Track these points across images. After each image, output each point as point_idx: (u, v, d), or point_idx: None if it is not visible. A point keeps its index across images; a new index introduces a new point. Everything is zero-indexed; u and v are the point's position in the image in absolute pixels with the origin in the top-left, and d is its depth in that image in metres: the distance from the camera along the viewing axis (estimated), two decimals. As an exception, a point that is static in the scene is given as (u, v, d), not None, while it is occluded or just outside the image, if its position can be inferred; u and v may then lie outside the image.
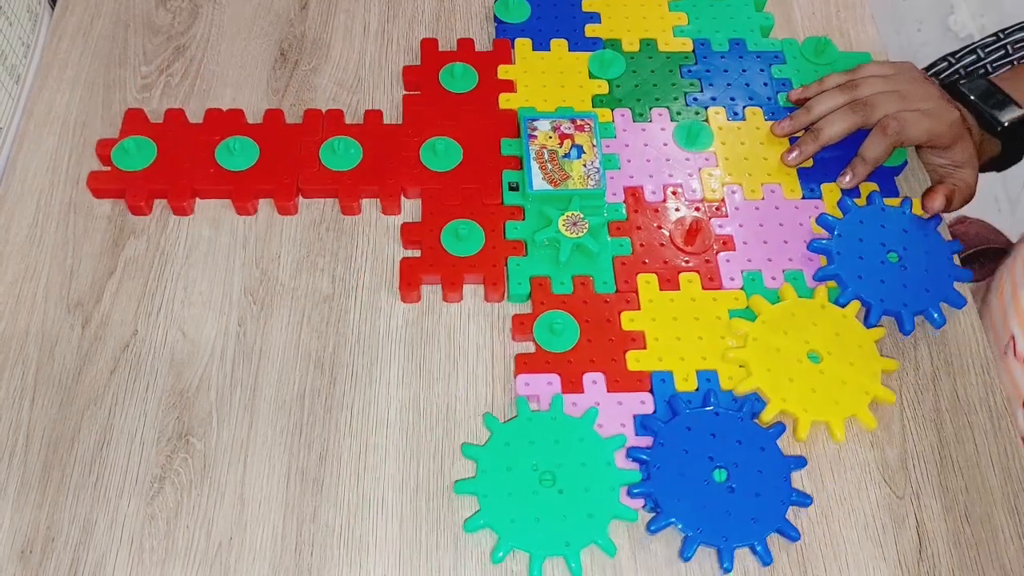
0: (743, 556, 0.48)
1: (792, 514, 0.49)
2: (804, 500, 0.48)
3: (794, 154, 0.60)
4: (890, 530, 0.49)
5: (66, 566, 0.47)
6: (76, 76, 0.64)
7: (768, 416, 0.50)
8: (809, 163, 0.61)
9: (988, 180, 0.66)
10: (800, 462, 0.49)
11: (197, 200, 0.58)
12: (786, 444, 0.51)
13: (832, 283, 0.56)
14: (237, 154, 0.59)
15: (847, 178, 0.59)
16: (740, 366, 0.52)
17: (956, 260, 0.58)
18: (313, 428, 0.51)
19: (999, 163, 0.65)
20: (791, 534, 0.47)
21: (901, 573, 0.48)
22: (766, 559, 0.47)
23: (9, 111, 0.61)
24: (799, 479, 0.50)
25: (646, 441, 0.50)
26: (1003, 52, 0.81)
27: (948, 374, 0.55)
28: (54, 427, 0.50)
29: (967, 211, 0.88)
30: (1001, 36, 0.81)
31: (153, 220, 0.58)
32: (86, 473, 0.49)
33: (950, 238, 0.59)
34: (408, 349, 0.54)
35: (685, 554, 0.47)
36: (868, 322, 0.54)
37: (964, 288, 0.57)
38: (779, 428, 0.50)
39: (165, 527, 0.48)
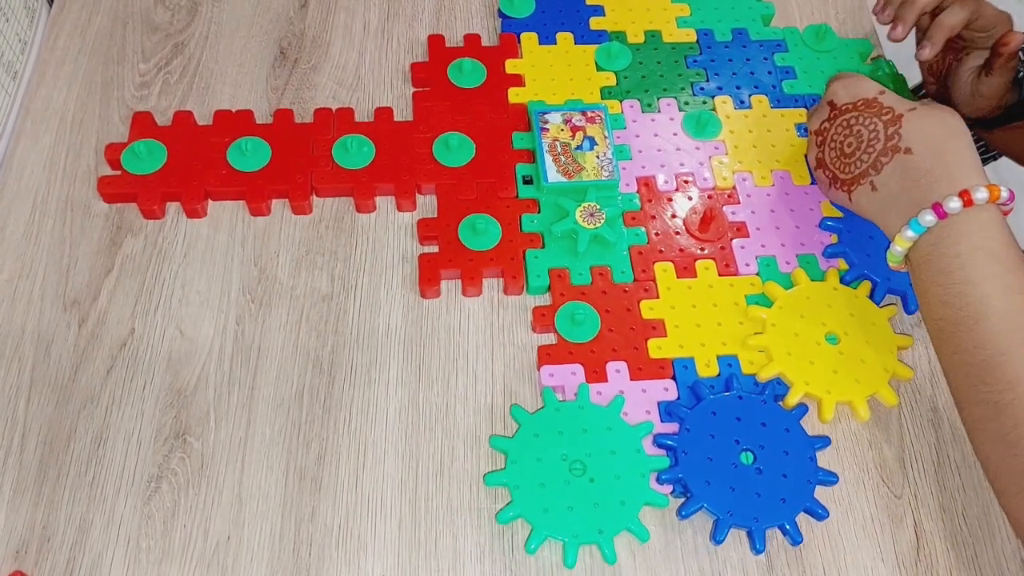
0: (744, 549, 0.48)
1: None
2: (830, 478, 0.49)
3: (927, 49, 0.59)
4: (888, 529, 0.49)
5: (62, 566, 0.46)
6: (74, 73, 0.64)
7: (792, 400, 0.51)
8: None
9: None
10: (824, 441, 0.50)
11: (209, 202, 0.58)
12: (809, 427, 0.51)
13: (842, 261, 0.57)
14: (249, 155, 0.58)
15: (927, 49, 0.59)
16: (761, 352, 0.53)
17: None
18: (312, 427, 0.51)
19: (1007, 115, 0.65)
20: (819, 512, 0.48)
21: (899, 572, 0.48)
22: (796, 538, 0.47)
23: (6, 108, 0.61)
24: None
25: (672, 427, 0.50)
26: (1015, 60, 0.81)
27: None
28: (50, 426, 0.50)
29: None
30: None
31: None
32: (82, 472, 0.49)
33: None
34: (407, 348, 0.54)
35: (717, 537, 0.47)
36: (874, 299, 0.55)
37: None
38: (802, 409, 0.51)
39: (162, 527, 0.47)
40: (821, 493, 0.49)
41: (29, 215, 0.57)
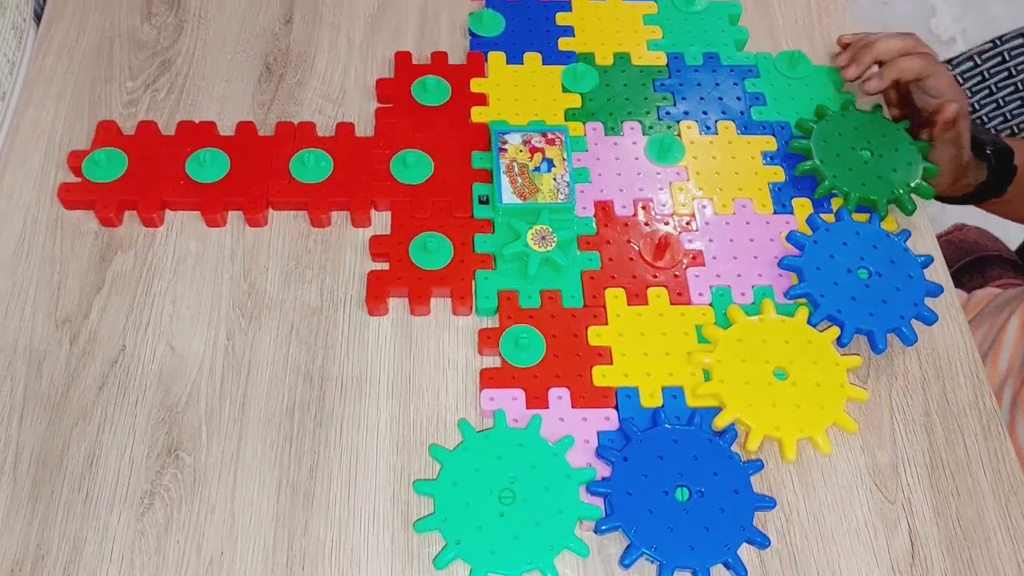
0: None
1: (785, 521, 0.49)
2: (768, 503, 0.48)
3: (874, 81, 0.63)
4: (882, 535, 0.49)
5: (56, 584, 0.46)
6: (61, 92, 0.64)
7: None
8: (782, 178, 0.61)
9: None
10: (757, 466, 0.49)
11: (177, 213, 0.58)
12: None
13: (803, 301, 0.55)
14: (207, 166, 0.58)
15: (873, 81, 0.62)
16: (713, 398, 0.51)
17: (941, 269, 0.58)
18: (303, 441, 0.51)
19: (981, 193, 0.67)
20: (759, 541, 0.47)
21: (893, 577, 0.48)
22: (740, 572, 0.46)
23: (-5, 128, 0.61)
24: (790, 485, 0.51)
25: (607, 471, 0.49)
26: (1000, 59, 0.82)
27: (937, 378, 0.55)
28: (43, 444, 0.50)
29: (966, 219, 0.89)
30: (998, 43, 0.82)
31: (140, 235, 0.58)
32: (76, 490, 0.49)
33: (936, 249, 0.60)
34: (397, 361, 0.54)
35: None
36: (841, 341, 0.53)
37: (949, 295, 0.58)
38: (731, 435, 0.50)
39: (156, 543, 0.48)
40: (816, 502, 0.49)
41: (19, 234, 0.58)
